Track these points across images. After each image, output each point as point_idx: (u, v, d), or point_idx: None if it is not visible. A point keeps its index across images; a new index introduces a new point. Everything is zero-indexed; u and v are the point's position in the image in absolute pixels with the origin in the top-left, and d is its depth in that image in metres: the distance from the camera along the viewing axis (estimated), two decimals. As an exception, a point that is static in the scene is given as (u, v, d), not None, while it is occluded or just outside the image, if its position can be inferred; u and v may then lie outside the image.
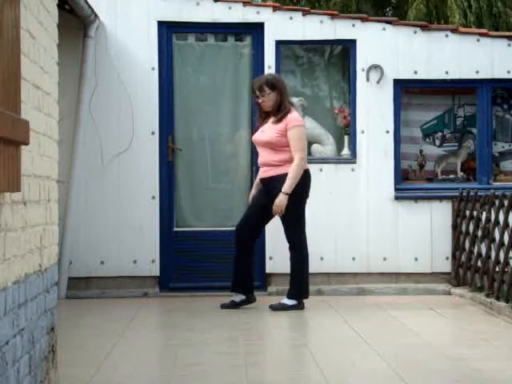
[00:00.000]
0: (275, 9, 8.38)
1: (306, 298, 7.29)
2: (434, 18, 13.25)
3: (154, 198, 8.15)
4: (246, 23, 8.33)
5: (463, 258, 8.14)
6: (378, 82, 8.35)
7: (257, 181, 7.46)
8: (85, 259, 8.07)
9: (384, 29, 8.39)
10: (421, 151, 8.77)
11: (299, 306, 7.21)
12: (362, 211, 8.31)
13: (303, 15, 8.36)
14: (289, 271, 7.67)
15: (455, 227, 8.29)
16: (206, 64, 8.42)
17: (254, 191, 7.43)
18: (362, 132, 8.35)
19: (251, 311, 7.21)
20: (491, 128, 8.58)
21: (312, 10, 8.76)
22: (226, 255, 7.86)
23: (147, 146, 8.16)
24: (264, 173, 7.27)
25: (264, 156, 7.24)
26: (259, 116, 7.40)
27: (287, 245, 7.53)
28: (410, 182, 8.65)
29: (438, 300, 7.82)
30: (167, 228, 8.22)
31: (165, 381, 4.82)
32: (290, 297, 7.28)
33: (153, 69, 8.18)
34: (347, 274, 8.31)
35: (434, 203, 8.39)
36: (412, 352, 5.53)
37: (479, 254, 7.77)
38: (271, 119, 7.20)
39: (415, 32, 8.40)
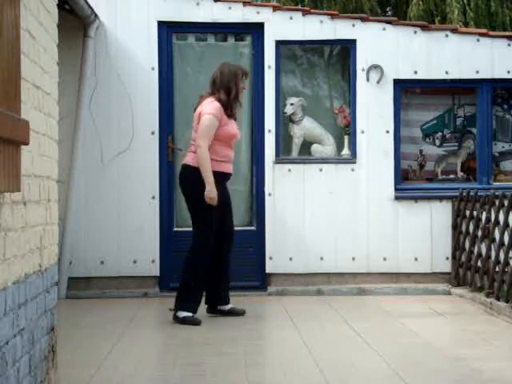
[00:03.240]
0: (275, 9, 8.38)
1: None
2: (434, 15, 13.25)
3: (153, 198, 8.14)
4: (246, 23, 8.33)
5: (463, 258, 8.13)
6: (378, 82, 8.34)
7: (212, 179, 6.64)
8: (85, 259, 8.06)
9: (384, 29, 8.38)
10: (421, 151, 8.77)
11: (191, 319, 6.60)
12: (362, 211, 8.30)
13: (303, 15, 8.35)
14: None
15: (455, 227, 8.29)
16: (205, 64, 8.40)
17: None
18: (362, 132, 8.35)
19: (251, 311, 7.20)
20: (491, 128, 8.58)
21: (312, 10, 8.76)
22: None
23: (147, 146, 8.15)
24: (231, 169, 6.87)
25: (232, 152, 6.88)
26: (233, 109, 6.78)
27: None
28: (410, 181, 8.64)
29: (438, 300, 7.81)
30: (167, 228, 8.22)
31: (165, 381, 4.82)
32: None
33: (153, 69, 8.17)
34: (347, 274, 8.30)
35: (434, 203, 8.39)
36: (412, 352, 5.53)
37: (479, 254, 7.77)
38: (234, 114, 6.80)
39: (415, 32, 8.40)
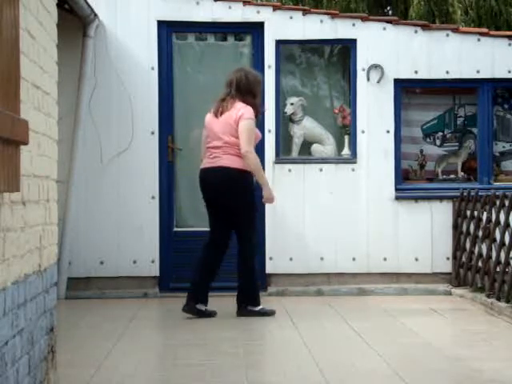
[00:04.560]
0: (275, 8, 8.37)
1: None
2: (435, 15, 13.25)
3: (153, 198, 8.13)
4: (246, 23, 8.32)
5: (464, 259, 8.12)
6: (378, 82, 8.33)
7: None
8: (84, 259, 8.05)
9: (384, 28, 8.37)
10: (421, 151, 8.76)
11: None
12: (363, 211, 8.29)
13: (303, 15, 8.34)
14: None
15: (456, 227, 8.28)
16: (205, 64, 8.41)
17: None
18: (363, 132, 8.34)
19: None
20: (492, 128, 8.57)
21: (312, 10, 8.75)
22: (226, 255, 7.83)
23: (147, 146, 8.14)
24: None
25: None
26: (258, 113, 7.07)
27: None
28: (410, 181, 8.63)
29: (438, 300, 7.81)
30: (167, 228, 8.21)
31: (165, 381, 4.82)
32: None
33: (152, 68, 8.16)
34: (347, 274, 8.29)
35: (434, 203, 8.37)
36: (412, 352, 5.52)
37: (480, 255, 7.76)
38: None
39: (416, 31, 8.39)
